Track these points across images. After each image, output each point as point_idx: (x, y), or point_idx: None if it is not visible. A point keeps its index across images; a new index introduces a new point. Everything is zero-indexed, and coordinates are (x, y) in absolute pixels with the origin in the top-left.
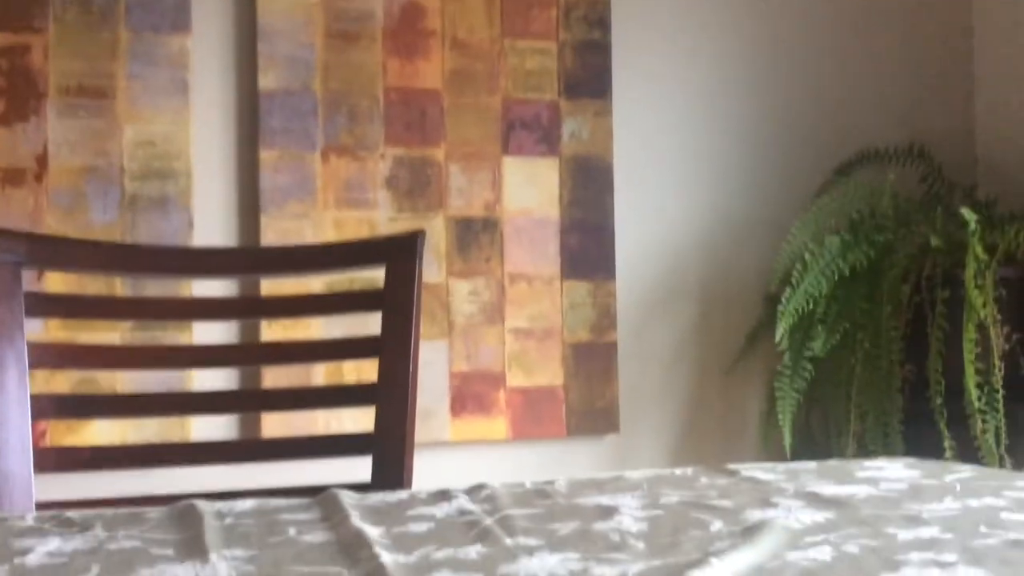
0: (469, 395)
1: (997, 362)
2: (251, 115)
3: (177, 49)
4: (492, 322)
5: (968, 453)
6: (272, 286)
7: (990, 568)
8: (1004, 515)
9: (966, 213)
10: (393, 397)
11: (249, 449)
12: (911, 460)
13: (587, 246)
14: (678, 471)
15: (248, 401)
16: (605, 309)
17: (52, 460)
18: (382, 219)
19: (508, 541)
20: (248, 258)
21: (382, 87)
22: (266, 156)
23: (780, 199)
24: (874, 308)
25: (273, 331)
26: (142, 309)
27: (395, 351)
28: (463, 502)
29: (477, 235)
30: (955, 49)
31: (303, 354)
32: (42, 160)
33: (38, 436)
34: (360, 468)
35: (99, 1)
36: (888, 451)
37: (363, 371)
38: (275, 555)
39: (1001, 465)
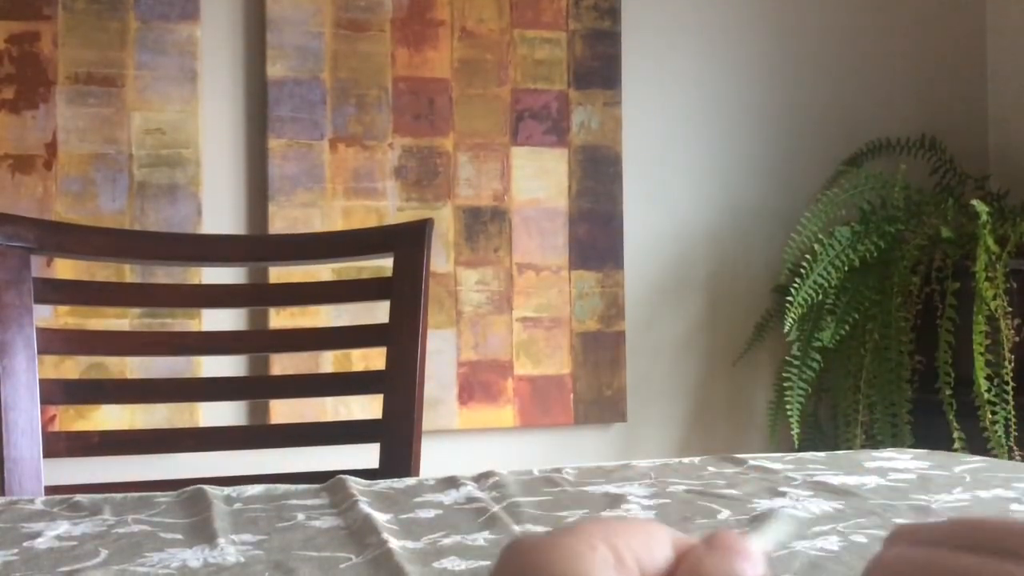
0: (477, 383)
1: (1007, 354)
2: (260, 104)
3: (186, 37)
4: (500, 311)
5: (977, 445)
6: (280, 274)
7: None
8: (1014, 507)
9: (977, 205)
10: (401, 385)
11: (258, 435)
12: (920, 451)
13: (596, 236)
14: (685, 460)
15: (257, 388)
16: (613, 299)
17: (61, 445)
18: (390, 208)
19: (516, 528)
20: (257, 246)
21: (391, 77)
22: (275, 145)
23: (790, 189)
24: (884, 299)
25: (281, 319)
26: (151, 296)
27: (403, 339)
28: (471, 489)
29: (485, 225)
30: (968, 39)
31: (311, 342)
32: (51, 147)
33: (47, 421)
34: (368, 455)
35: None
36: (897, 442)
37: (371, 359)
38: (283, 540)
39: (1010, 457)
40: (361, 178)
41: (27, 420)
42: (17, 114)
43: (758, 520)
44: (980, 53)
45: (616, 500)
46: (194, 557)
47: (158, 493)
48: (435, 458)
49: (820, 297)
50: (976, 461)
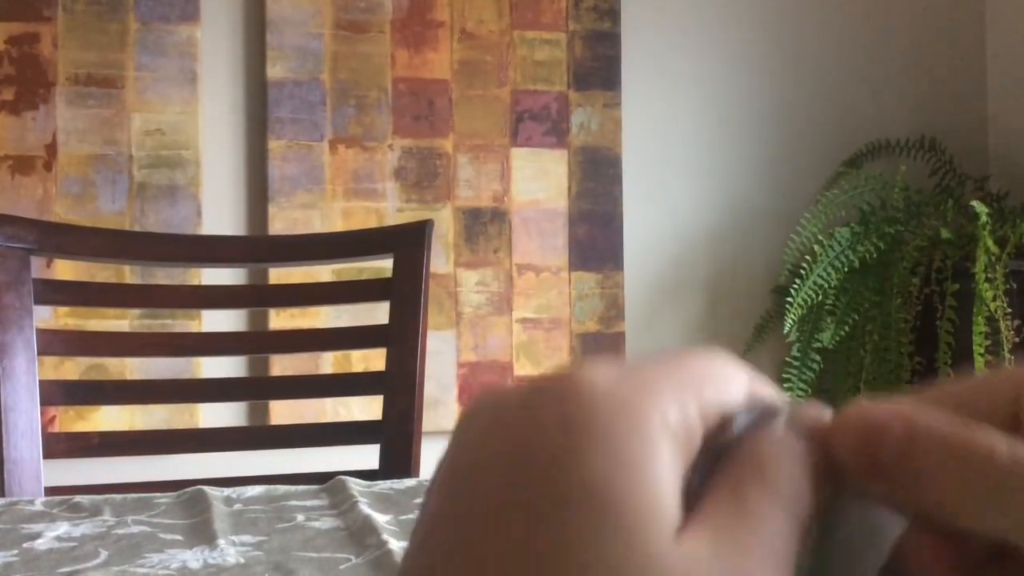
0: (477, 385)
1: (1007, 355)
2: (260, 105)
3: (186, 39)
4: (500, 312)
5: None
6: (280, 275)
7: None
8: None
9: (977, 206)
10: (401, 386)
11: (258, 436)
12: None
13: (595, 237)
14: None
15: (257, 389)
16: (613, 300)
17: (61, 446)
18: (390, 210)
19: None
20: (256, 247)
21: (390, 78)
22: (274, 146)
23: (790, 191)
24: (883, 300)
25: (281, 320)
26: (150, 297)
27: (403, 340)
28: None
29: (485, 226)
30: (967, 40)
31: (311, 343)
32: (51, 149)
33: (47, 422)
34: (368, 456)
35: None
36: None
37: (371, 360)
38: (283, 541)
39: None
40: (361, 179)
41: (27, 421)
42: (17, 115)
43: None
44: (980, 53)
45: None
46: (194, 558)
47: (158, 494)
48: (435, 459)
49: (820, 298)
50: None
